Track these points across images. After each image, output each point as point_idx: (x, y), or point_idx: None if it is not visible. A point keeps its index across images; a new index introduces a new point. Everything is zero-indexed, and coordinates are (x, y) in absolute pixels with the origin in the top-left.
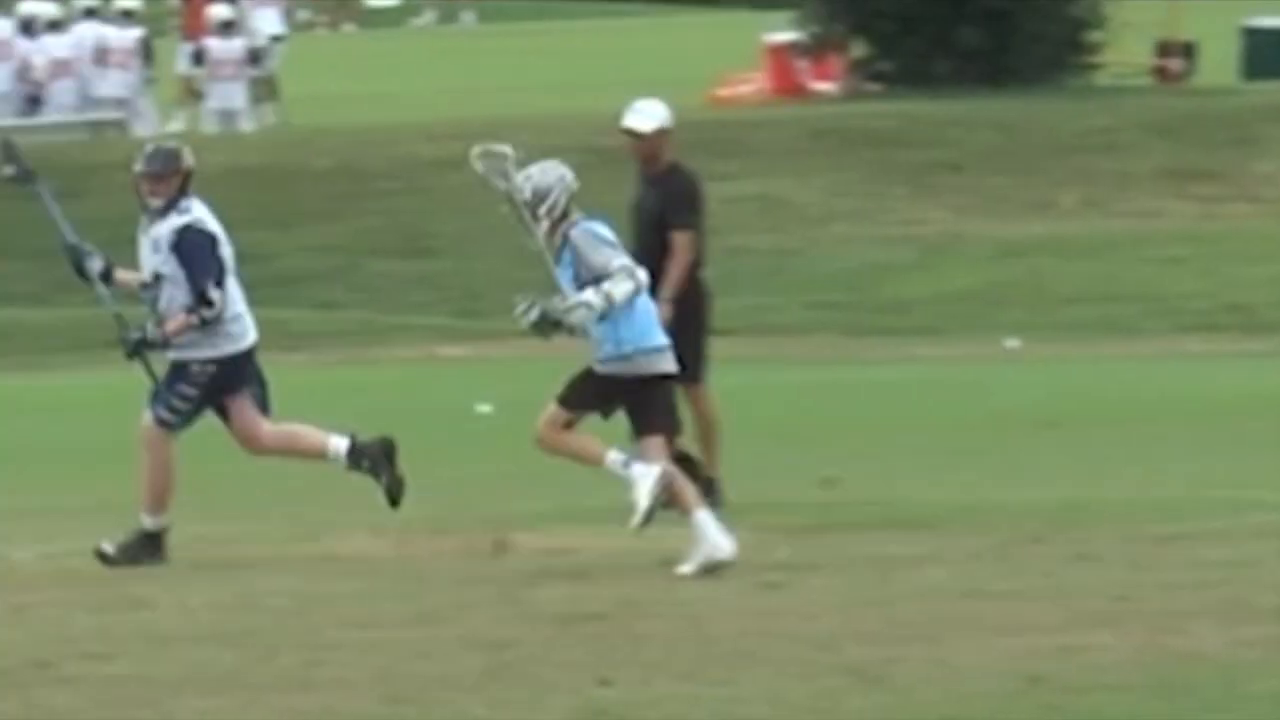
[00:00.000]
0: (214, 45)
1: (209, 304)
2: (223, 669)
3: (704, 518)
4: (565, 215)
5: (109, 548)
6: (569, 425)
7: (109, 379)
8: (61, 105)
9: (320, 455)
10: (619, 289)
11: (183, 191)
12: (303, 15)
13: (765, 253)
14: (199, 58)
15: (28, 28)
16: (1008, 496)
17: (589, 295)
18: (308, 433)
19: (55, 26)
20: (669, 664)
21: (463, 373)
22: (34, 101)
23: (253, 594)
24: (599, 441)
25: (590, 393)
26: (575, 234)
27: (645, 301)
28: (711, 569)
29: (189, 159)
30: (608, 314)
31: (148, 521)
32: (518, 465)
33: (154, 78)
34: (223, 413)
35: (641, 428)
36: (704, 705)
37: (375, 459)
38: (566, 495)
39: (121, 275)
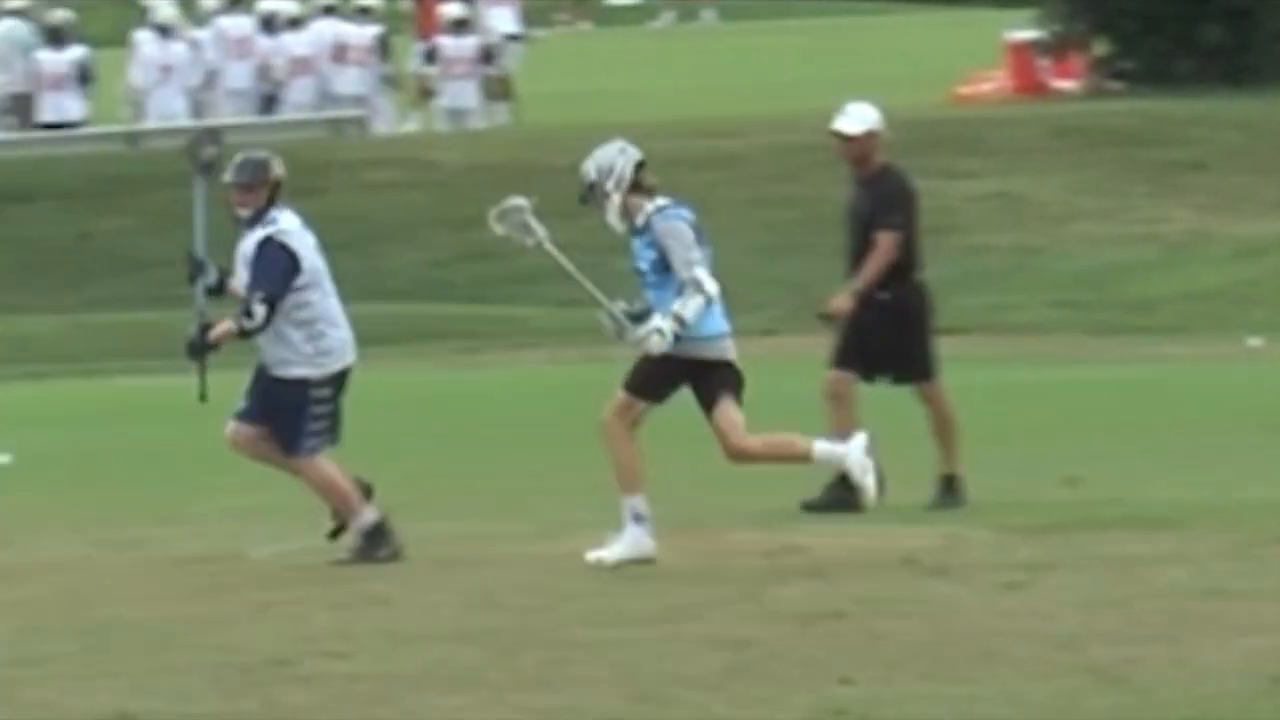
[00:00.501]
0: (446, 44)
1: (250, 315)
2: (463, 667)
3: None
4: (639, 187)
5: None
6: (634, 421)
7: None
8: (300, 103)
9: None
10: (689, 308)
11: (271, 202)
12: (541, 14)
13: (1006, 251)
14: (431, 56)
15: (268, 25)
16: (1250, 495)
17: (660, 323)
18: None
19: (295, 24)
20: (909, 663)
21: None
22: (271, 100)
23: (494, 592)
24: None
25: (652, 375)
26: (666, 224)
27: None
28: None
29: (278, 169)
30: (680, 333)
31: (364, 518)
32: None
33: (393, 75)
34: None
35: (709, 399)
36: (943, 704)
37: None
38: (796, 493)
39: (234, 286)
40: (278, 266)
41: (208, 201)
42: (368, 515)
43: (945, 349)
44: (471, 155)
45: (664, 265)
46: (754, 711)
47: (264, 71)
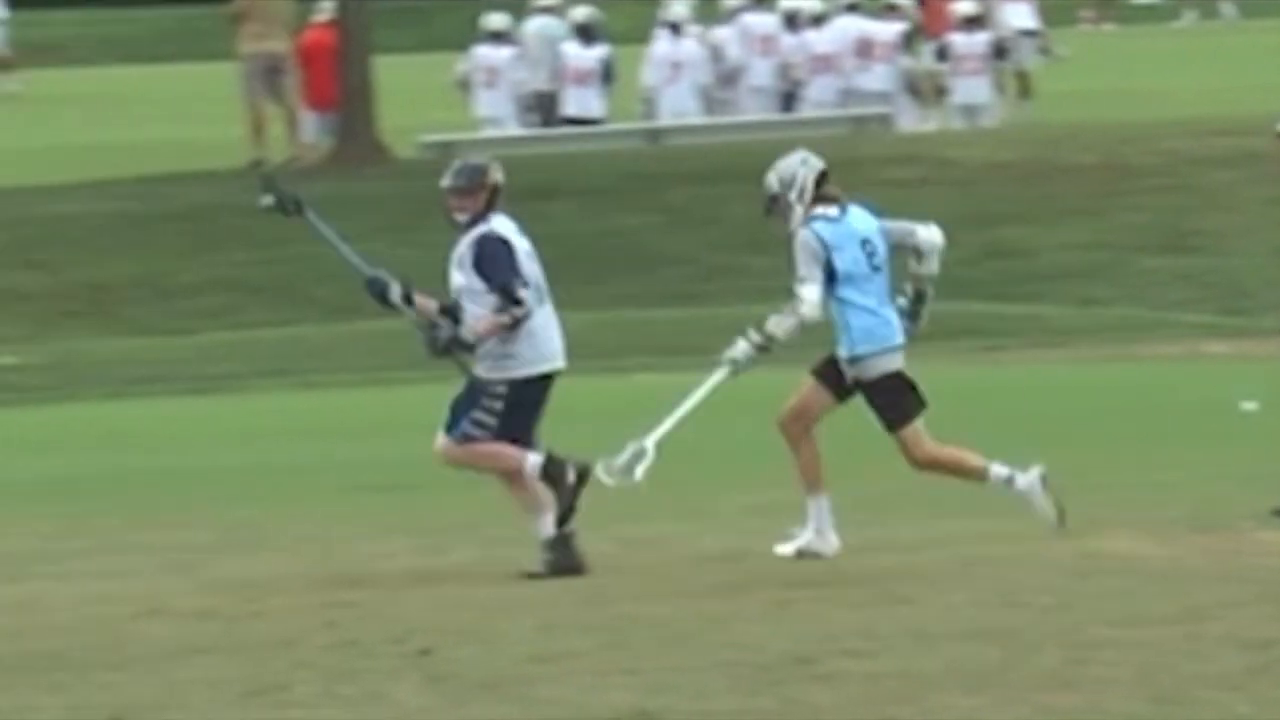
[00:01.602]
0: (958, 40)
1: (517, 302)
2: (985, 666)
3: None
4: (822, 197)
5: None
6: (807, 430)
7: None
8: (820, 100)
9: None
10: (781, 327)
11: (490, 206)
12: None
13: None
14: (943, 54)
15: (791, 22)
16: None
17: (743, 345)
18: (505, 451)
19: (817, 21)
20: None
21: (1227, 370)
22: (790, 97)
23: (1015, 591)
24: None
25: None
26: (802, 231)
27: (879, 306)
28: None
29: (496, 174)
30: (766, 348)
31: (542, 528)
32: None
33: (912, 71)
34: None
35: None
36: None
37: (561, 480)
38: None
39: (420, 300)
40: (504, 254)
41: (318, 229)
42: (534, 459)
43: None
44: (991, 153)
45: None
46: (1277, 712)
47: (785, 69)
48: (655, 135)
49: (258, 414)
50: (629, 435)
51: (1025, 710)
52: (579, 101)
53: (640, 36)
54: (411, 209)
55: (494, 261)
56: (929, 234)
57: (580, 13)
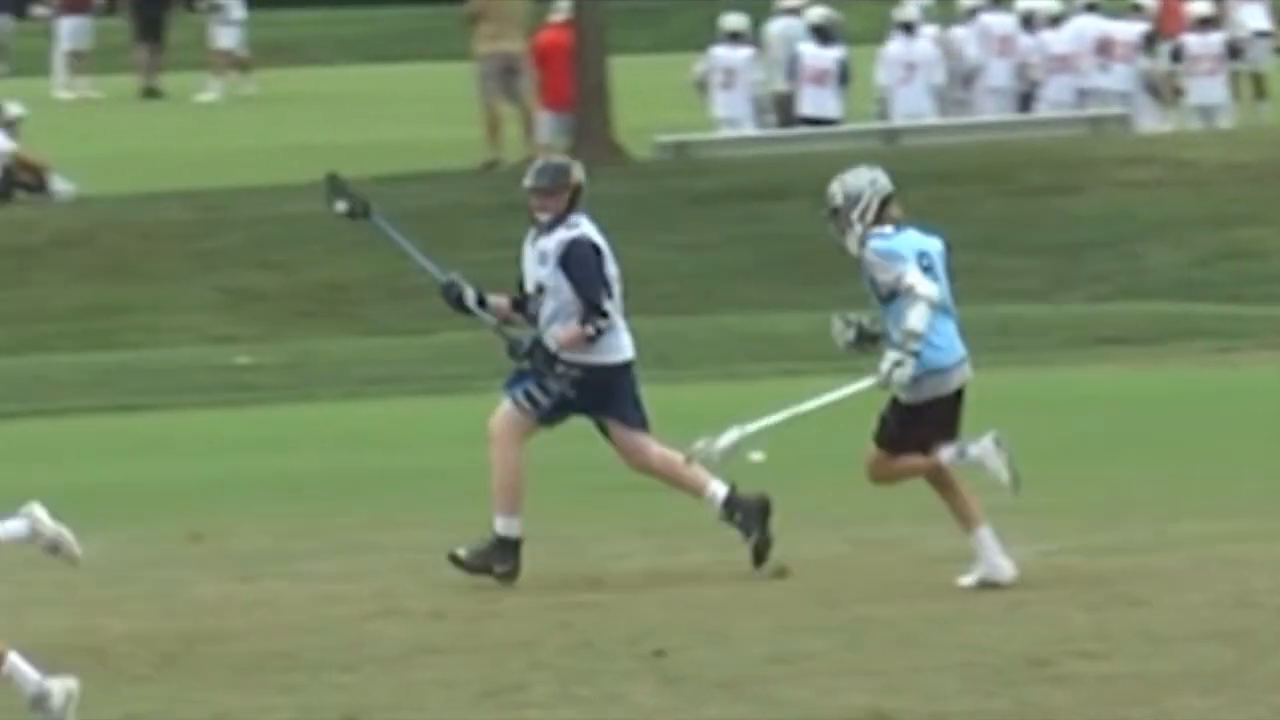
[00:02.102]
0: (1192, 41)
1: (603, 314)
2: (1220, 667)
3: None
4: (883, 220)
5: (461, 551)
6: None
7: (1100, 374)
8: (1057, 101)
9: (696, 493)
10: (913, 321)
11: (572, 206)
12: None
13: None
14: (1177, 54)
15: (1028, 23)
16: None
17: (895, 355)
18: (693, 470)
19: (1054, 22)
20: None
21: None
22: (1027, 98)
23: (1249, 592)
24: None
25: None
26: (865, 253)
27: (938, 318)
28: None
29: (578, 174)
30: (919, 348)
31: (498, 525)
32: None
33: (1150, 71)
34: (602, 430)
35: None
36: None
37: (748, 515)
38: None
39: (493, 299)
40: (594, 264)
41: (388, 233)
42: (514, 525)
43: None
44: (1228, 154)
45: (879, 298)
46: None
47: (1022, 69)
48: (892, 135)
49: (488, 414)
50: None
51: (1261, 711)
52: (816, 102)
53: (876, 37)
54: (647, 209)
55: (584, 268)
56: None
57: (817, 13)
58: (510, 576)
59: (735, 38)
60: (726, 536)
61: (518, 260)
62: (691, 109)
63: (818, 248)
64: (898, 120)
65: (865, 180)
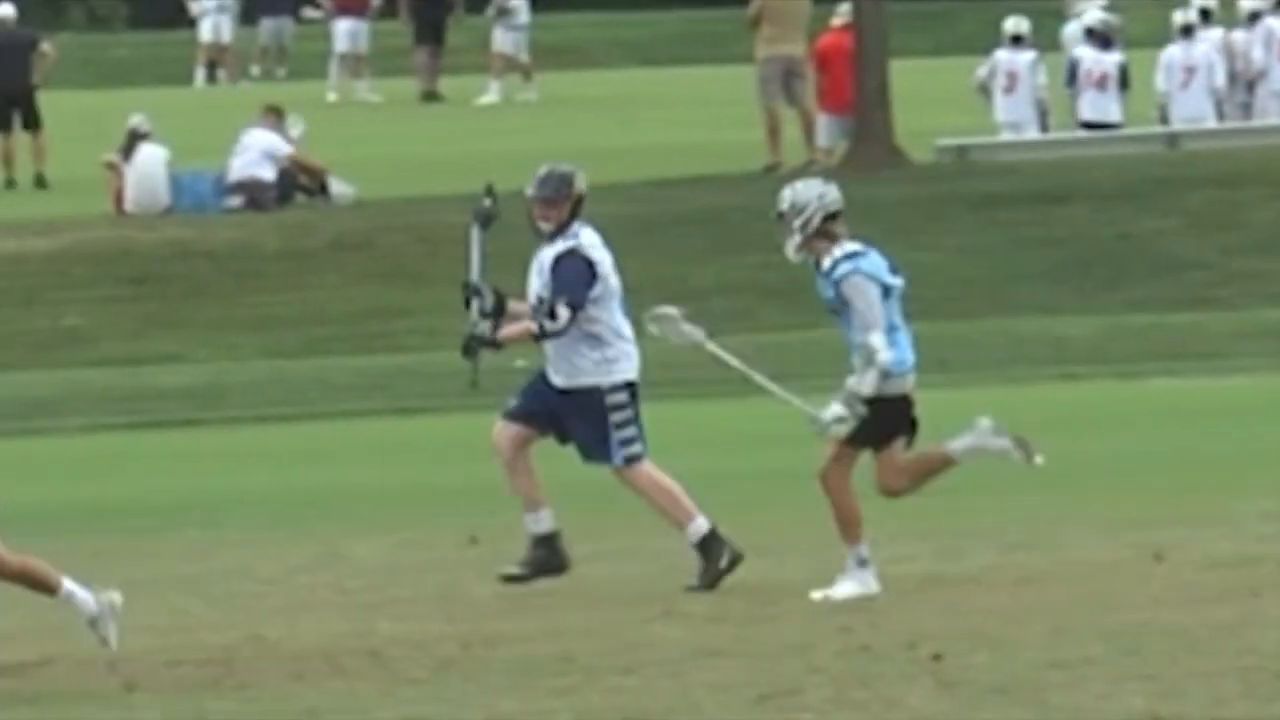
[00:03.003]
0: None
1: (553, 317)
2: None
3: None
4: (821, 233)
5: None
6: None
7: None
8: None
9: (678, 526)
10: (865, 384)
11: (574, 216)
12: None
13: None
14: None
15: None
16: None
17: (838, 410)
18: (676, 494)
19: None
20: None
21: None
22: None
23: None
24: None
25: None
26: (849, 283)
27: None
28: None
29: (580, 184)
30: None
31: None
32: None
33: None
34: (562, 439)
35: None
36: None
37: (722, 552)
38: None
39: (514, 306)
40: (580, 277)
41: (484, 246)
42: (700, 524)
43: None
44: None
45: (844, 303)
46: None
47: None
48: (1173, 140)
49: (765, 419)
50: (1143, 443)
51: None
52: (1096, 106)
53: (1157, 41)
54: (927, 212)
55: (567, 276)
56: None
57: (1097, 18)
58: (735, 561)
59: (1017, 41)
60: (1005, 541)
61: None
62: (973, 112)
63: (1101, 252)
64: (1178, 124)
65: (814, 193)
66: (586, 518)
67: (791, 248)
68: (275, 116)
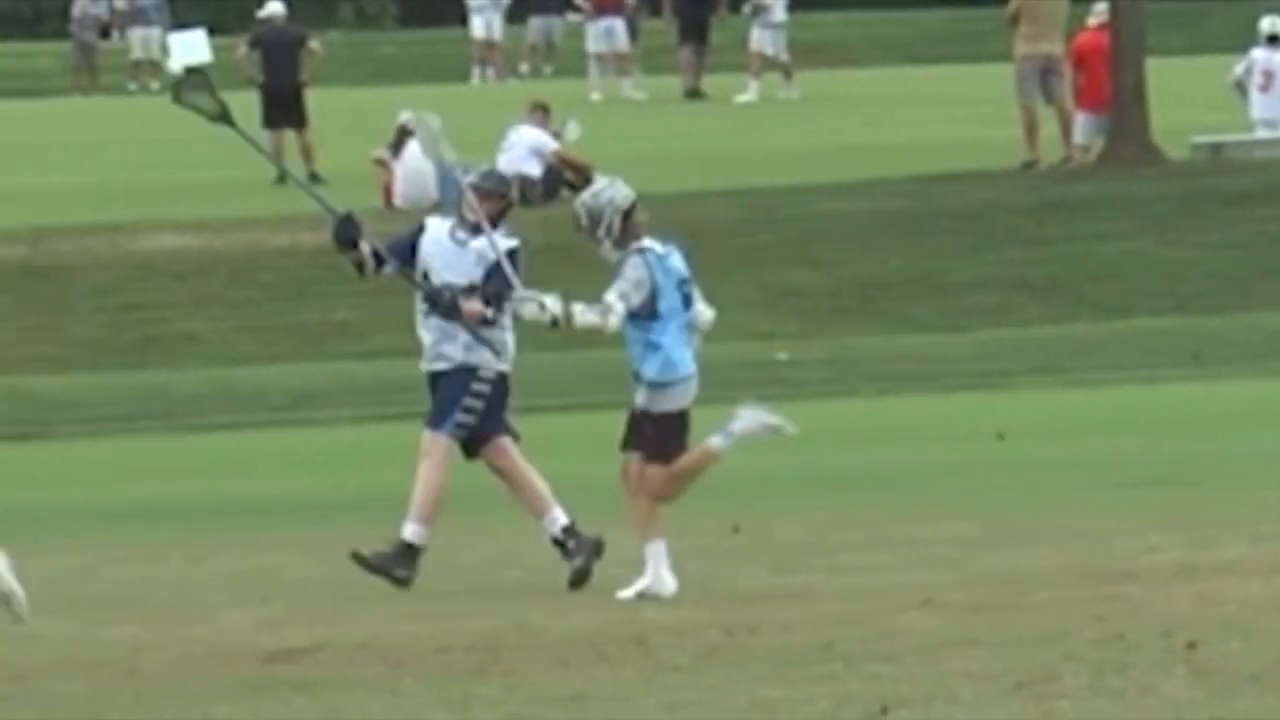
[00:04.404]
0: None
1: (501, 309)
2: None
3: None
4: (627, 232)
5: (366, 551)
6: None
7: None
8: None
9: (538, 515)
10: (582, 319)
11: (503, 215)
12: None
13: None
14: None
15: None
16: None
17: (550, 303)
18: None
19: None
20: None
21: None
22: None
23: None
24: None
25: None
26: (632, 260)
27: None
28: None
29: (515, 193)
30: (557, 326)
31: (409, 532)
32: None
33: None
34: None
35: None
36: None
37: (582, 544)
38: None
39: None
40: (515, 269)
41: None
42: (419, 531)
43: None
44: None
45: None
46: None
47: None
48: None
49: (1023, 410)
50: None
51: None
52: None
53: None
54: (1181, 208)
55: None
56: (707, 315)
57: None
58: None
59: (1274, 40)
60: (1258, 532)
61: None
62: (1228, 110)
63: None
64: None
65: (604, 200)
66: (842, 509)
67: (606, 251)
68: (542, 113)
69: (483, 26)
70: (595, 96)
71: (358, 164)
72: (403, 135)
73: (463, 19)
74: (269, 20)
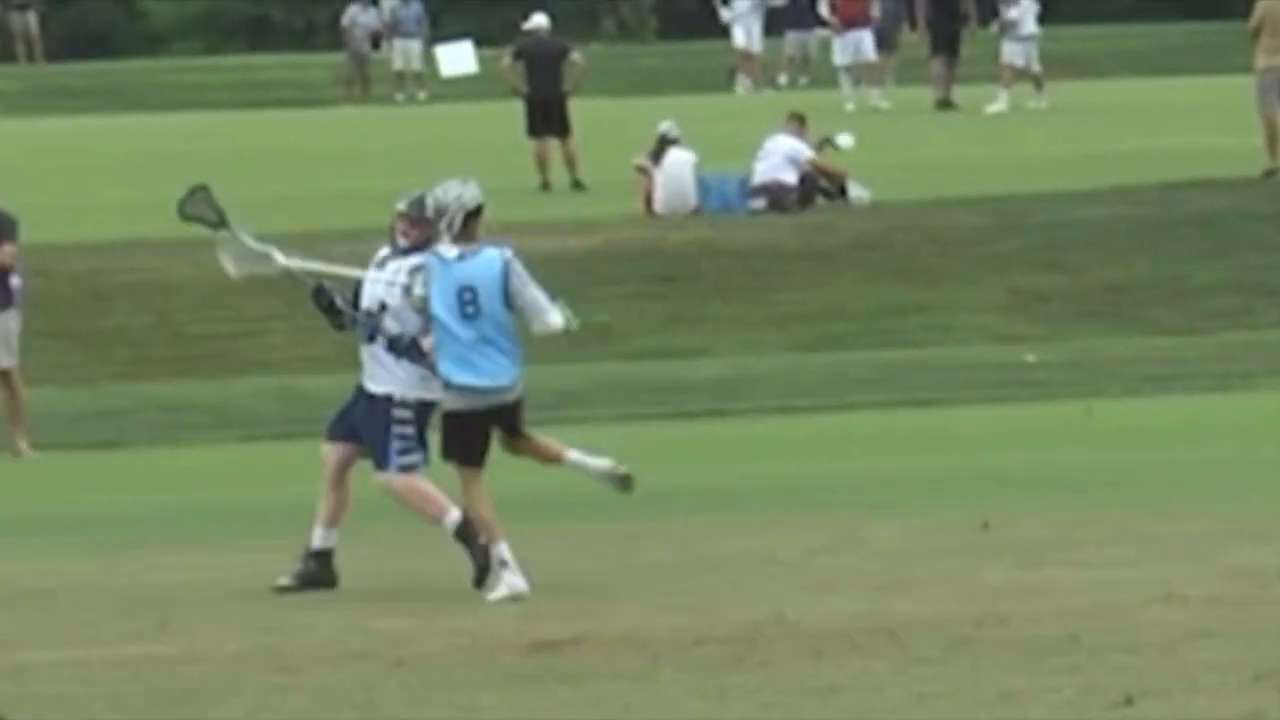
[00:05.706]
0: None
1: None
2: None
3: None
4: (466, 231)
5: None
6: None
7: None
8: None
9: (435, 521)
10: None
11: (429, 241)
12: None
13: None
14: None
15: None
16: None
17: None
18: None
19: None
20: None
21: None
22: None
23: None
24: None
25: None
26: (514, 265)
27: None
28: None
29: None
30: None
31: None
32: None
33: None
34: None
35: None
36: None
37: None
38: None
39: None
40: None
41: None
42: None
43: None
44: None
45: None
46: None
47: None
48: None
49: (1263, 411)
50: None
51: None
52: None
53: None
54: None
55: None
56: (549, 321)
57: None
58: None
59: None
60: None
61: None
62: None
63: None
64: None
65: (453, 196)
66: (1087, 507)
67: (444, 247)
68: (798, 123)
69: (743, 35)
70: (849, 107)
71: (619, 171)
72: (663, 144)
73: (722, 31)
74: (533, 32)
